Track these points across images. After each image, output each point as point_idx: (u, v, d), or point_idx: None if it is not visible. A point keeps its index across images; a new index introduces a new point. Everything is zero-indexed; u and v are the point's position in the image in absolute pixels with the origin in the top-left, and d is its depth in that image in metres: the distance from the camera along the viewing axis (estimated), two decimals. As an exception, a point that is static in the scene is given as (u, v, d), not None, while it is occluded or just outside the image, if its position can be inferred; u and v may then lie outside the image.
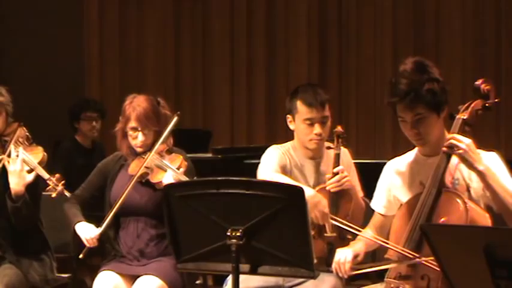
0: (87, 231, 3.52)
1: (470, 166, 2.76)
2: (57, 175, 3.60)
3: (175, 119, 3.60)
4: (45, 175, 3.59)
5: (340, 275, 2.94)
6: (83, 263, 4.33)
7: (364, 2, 6.88)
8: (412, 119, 2.85)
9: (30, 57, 6.80)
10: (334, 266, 2.93)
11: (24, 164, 3.58)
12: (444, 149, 2.79)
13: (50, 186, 3.57)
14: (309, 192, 3.12)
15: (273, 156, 3.43)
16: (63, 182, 3.58)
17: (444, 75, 2.93)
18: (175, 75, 7.23)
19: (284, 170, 3.42)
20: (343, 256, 2.93)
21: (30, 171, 3.59)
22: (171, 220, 2.61)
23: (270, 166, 3.40)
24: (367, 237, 3.01)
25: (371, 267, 3.00)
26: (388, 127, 6.50)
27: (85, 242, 3.52)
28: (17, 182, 3.57)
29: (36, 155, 3.67)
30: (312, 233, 2.51)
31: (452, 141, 2.77)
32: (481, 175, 2.75)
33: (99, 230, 3.51)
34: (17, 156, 3.59)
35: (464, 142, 2.76)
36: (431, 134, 2.89)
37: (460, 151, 2.74)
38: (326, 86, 3.89)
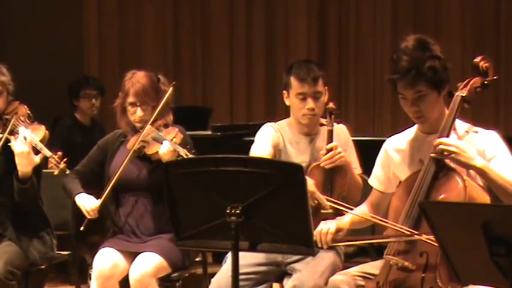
0: (88, 202, 3.54)
1: (467, 165, 2.75)
2: (59, 153, 3.59)
3: (170, 89, 3.60)
4: (48, 153, 3.58)
5: (319, 245, 2.90)
6: (82, 241, 4.36)
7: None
8: (412, 97, 2.84)
9: (28, 35, 6.77)
10: (315, 234, 2.86)
11: (27, 144, 3.57)
12: (433, 155, 2.77)
13: (52, 164, 3.57)
14: None
15: (265, 136, 3.45)
16: (65, 159, 3.58)
17: (443, 52, 2.92)
18: (174, 52, 7.22)
19: (277, 148, 3.44)
20: (326, 227, 2.91)
21: (36, 152, 3.58)
22: (171, 197, 2.61)
23: (262, 146, 3.41)
24: (363, 215, 2.99)
25: (355, 240, 3.02)
26: (387, 104, 6.51)
27: (85, 214, 3.54)
28: (25, 164, 3.57)
29: (38, 133, 3.67)
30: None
31: (440, 146, 2.74)
32: (480, 171, 2.74)
33: (99, 201, 3.52)
34: (24, 138, 3.58)
35: (453, 144, 2.75)
36: (431, 111, 2.88)
37: (452, 155, 2.73)
38: (325, 64, 3.88)
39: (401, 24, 6.53)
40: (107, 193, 3.52)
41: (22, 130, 3.62)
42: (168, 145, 3.42)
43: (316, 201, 3.21)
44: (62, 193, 3.89)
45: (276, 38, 7.11)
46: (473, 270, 2.07)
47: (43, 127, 3.72)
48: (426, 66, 2.81)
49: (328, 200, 3.18)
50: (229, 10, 7.18)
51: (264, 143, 3.42)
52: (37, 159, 3.59)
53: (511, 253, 1.90)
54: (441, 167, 2.79)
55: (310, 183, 3.19)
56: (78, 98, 5.70)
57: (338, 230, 2.94)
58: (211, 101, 7.05)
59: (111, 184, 3.52)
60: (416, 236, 2.66)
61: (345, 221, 3.01)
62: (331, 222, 2.97)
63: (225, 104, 7.14)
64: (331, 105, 3.45)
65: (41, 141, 3.63)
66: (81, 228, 3.58)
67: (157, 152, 3.46)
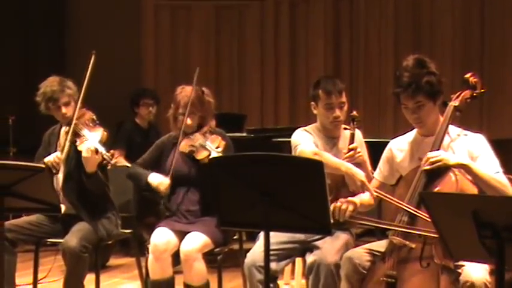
0: (160, 179, 3.55)
1: (455, 165, 2.73)
2: (111, 151, 3.60)
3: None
4: (104, 152, 3.57)
5: (336, 217, 2.85)
6: (141, 221, 4.38)
7: (371, 10, 6.81)
8: (413, 106, 2.83)
9: (99, 56, 6.87)
10: (332, 208, 2.82)
11: (94, 149, 3.58)
12: (427, 167, 2.73)
13: (106, 161, 3.58)
14: (347, 166, 3.09)
15: (306, 137, 3.35)
16: (116, 157, 3.59)
17: (438, 68, 2.90)
18: (215, 70, 7.23)
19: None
20: (346, 205, 2.87)
21: (96, 152, 3.59)
22: (215, 187, 2.61)
23: (308, 144, 3.29)
24: (383, 194, 2.91)
25: (367, 221, 2.95)
26: (390, 112, 6.46)
27: (159, 189, 3.54)
28: (91, 165, 3.60)
29: (98, 134, 3.68)
30: (330, 198, 2.49)
31: (430, 160, 2.73)
32: (466, 167, 2.72)
33: (168, 177, 3.53)
34: (87, 140, 3.60)
35: (439, 154, 2.74)
36: (428, 118, 2.87)
37: (440, 163, 2.72)
38: (338, 78, 3.92)
39: (402, 46, 6.47)
40: (170, 176, 3.53)
41: (86, 132, 3.64)
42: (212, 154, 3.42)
43: (365, 190, 3.07)
44: (125, 182, 3.93)
45: (298, 57, 7.09)
46: (464, 249, 2.05)
47: (101, 129, 3.71)
48: (424, 81, 2.80)
49: (374, 191, 3.06)
50: (260, 34, 7.17)
51: (308, 142, 3.31)
52: (98, 159, 3.59)
53: (496, 236, 1.88)
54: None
55: (362, 175, 3.06)
56: (138, 106, 5.73)
57: (356, 209, 2.91)
58: (245, 109, 7.04)
59: (170, 175, 3.54)
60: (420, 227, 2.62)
61: (359, 202, 2.94)
62: (349, 201, 2.92)
63: (256, 112, 7.13)
64: (354, 113, 3.37)
65: (100, 141, 3.63)
66: (161, 206, 3.61)
67: (203, 158, 3.47)
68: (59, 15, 7.79)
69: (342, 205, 2.87)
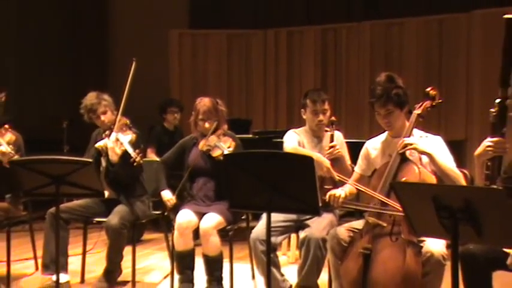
0: (169, 196, 3.56)
1: (422, 153, 2.72)
2: (137, 150, 3.56)
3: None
4: (130, 151, 3.54)
5: (331, 203, 2.85)
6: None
7: (351, 39, 6.79)
8: (384, 113, 2.82)
9: (136, 73, 6.93)
10: (328, 196, 2.83)
11: (118, 144, 3.58)
12: (400, 150, 2.72)
13: (133, 158, 3.53)
14: (317, 155, 3.20)
15: (292, 137, 3.44)
16: (141, 155, 3.55)
17: (404, 83, 2.89)
18: (227, 85, 7.23)
19: (299, 145, 3.42)
20: (339, 193, 2.86)
21: (120, 147, 3.58)
22: (227, 178, 2.60)
23: (291, 142, 3.40)
24: (361, 187, 2.91)
25: (355, 205, 2.96)
26: (366, 118, 6.43)
27: (166, 204, 3.56)
28: (112, 154, 3.61)
29: (128, 136, 3.66)
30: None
31: (405, 142, 2.72)
32: (430, 157, 2.71)
33: (174, 197, 3.54)
34: (116, 139, 3.60)
35: (411, 140, 2.72)
36: (396, 123, 2.86)
37: (411, 146, 2.71)
38: (325, 92, 3.87)
39: (376, 66, 6.46)
40: (183, 181, 3.51)
41: (119, 135, 3.62)
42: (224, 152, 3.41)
43: (329, 175, 3.17)
44: (156, 173, 3.91)
45: (293, 75, 7.07)
46: (426, 227, 2.03)
47: (131, 133, 3.68)
48: (393, 93, 2.79)
49: (338, 177, 3.14)
50: (263, 57, 7.15)
51: (291, 140, 3.40)
52: (118, 152, 3.57)
53: (451, 216, 1.87)
54: (403, 159, 2.75)
55: (328, 163, 3.17)
56: (166, 113, 5.72)
57: (346, 197, 2.91)
58: (251, 115, 7.04)
59: (187, 173, 3.52)
60: (391, 208, 2.62)
61: (347, 191, 2.96)
62: (341, 190, 2.92)
63: (260, 117, 7.11)
64: (333, 118, 3.41)
65: (129, 142, 3.61)
66: (165, 213, 3.59)
67: (217, 156, 3.47)
68: (104, 37, 7.84)
69: (336, 194, 2.86)
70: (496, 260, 2.32)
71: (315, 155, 3.18)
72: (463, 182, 2.70)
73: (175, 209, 3.55)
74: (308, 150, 3.30)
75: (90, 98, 3.80)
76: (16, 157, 3.56)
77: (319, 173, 3.08)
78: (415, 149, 2.70)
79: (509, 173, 2.52)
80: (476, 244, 2.29)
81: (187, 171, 3.54)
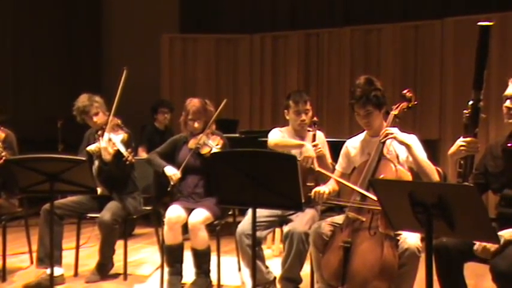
0: (173, 171, 3.51)
1: (401, 143, 2.73)
2: (129, 149, 3.55)
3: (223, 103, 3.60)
4: (122, 150, 3.54)
5: (316, 199, 2.84)
6: (159, 201, 4.35)
7: (332, 43, 6.80)
8: (363, 114, 2.82)
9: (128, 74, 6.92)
10: (313, 193, 2.82)
11: (110, 144, 3.56)
12: (382, 139, 2.73)
13: (125, 157, 3.52)
14: (306, 144, 3.19)
15: (275, 133, 3.42)
16: (132, 154, 3.54)
17: (382, 86, 2.89)
18: (216, 87, 7.20)
19: None
20: (323, 190, 2.86)
21: (113, 146, 3.56)
22: (215, 175, 2.59)
23: (276, 137, 3.38)
24: (342, 180, 2.91)
25: (338, 201, 2.96)
26: (346, 118, 6.45)
27: (171, 179, 3.50)
28: (105, 154, 3.58)
29: (120, 136, 3.64)
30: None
31: (386, 131, 2.73)
32: (408, 147, 2.72)
33: (179, 172, 3.50)
34: (109, 139, 3.57)
35: (393, 130, 2.73)
36: (375, 123, 2.86)
37: (392, 135, 2.71)
38: (308, 94, 3.85)
39: (356, 70, 6.48)
40: (180, 170, 3.50)
41: (111, 135, 3.60)
42: (213, 150, 3.39)
43: (312, 166, 3.14)
44: (146, 171, 3.88)
45: (278, 78, 7.06)
46: (402, 221, 2.04)
47: (123, 133, 3.67)
48: (372, 95, 2.79)
49: (320, 171, 3.11)
50: (249, 60, 7.14)
51: (277, 137, 3.39)
52: (111, 151, 3.55)
53: (426, 211, 1.87)
54: (381, 157, 2.76)
55: (314, 155, 3.14)
56: (157, 113, 5.70)
57: (329, 193, 2.91)
58: (238, 116, 7.01)
59: (182, 167, 3.51)
60: (370, 203, 2.63)
61: (330, 187, 2.96)
62: (326, 187, 2.92)
63: (246, 118, 7.09)
64: (315, 118, 3.40)
65: (121, 140, 3.59)
66: (168, 189, 3.54)
67: (206, 153, 3.44)
68: (98, 39, 7.78)
69: (320, 191, 2.86)
70: (467, 252, 2.34)
71: (306, 144, 3.17)
72: (436, 175, 2.71)
73: (179, 183, 3.50)
74: (296, 141, 3.26)
75: (82, 100, 3.77)
76: (4, 154, 3.51)
77: (301, 162, 3.04)
78: (395, 138, 2.71)
79: (479, 170, 2.54)
80: (449, 237, 2.31)
81: (180, 169, 3.52)
